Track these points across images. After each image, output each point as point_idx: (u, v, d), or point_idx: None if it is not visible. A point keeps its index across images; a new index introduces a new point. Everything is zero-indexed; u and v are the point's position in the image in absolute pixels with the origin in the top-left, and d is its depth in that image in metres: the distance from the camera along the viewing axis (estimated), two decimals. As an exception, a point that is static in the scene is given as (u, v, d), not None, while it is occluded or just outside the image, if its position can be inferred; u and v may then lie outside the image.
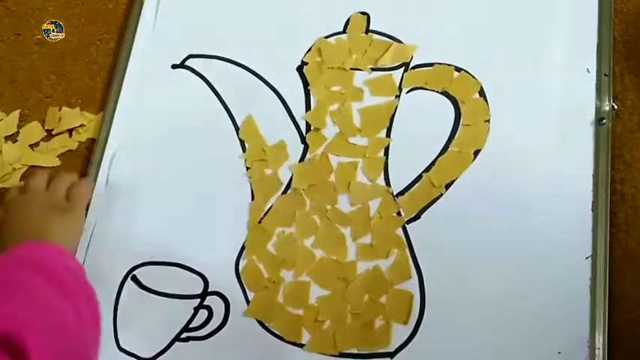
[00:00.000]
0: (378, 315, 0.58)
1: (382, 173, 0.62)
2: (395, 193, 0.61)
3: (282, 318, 0.60)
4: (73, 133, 0.72)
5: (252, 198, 0.64)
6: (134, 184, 0.68)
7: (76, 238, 0.64)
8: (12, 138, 0.73)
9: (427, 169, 0.61)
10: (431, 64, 0.65)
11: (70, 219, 0.63)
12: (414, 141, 0.63)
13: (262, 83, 0.68)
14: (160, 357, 0.61)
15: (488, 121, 0.62)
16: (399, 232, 0.60)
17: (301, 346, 0.59)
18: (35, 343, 0.43)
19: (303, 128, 0.66)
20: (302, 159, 0.65)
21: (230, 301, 0.62)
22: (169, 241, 0.65)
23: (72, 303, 0.51)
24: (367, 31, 0.68)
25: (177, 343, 0.62)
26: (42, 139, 0.73)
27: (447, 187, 0.60)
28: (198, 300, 0.62)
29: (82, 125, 0.72)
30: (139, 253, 0.65)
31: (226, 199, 0.65)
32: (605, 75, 0.61)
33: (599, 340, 0.54)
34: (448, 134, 0.62)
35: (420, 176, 0.61)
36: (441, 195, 0.60)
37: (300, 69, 0.68)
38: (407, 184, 0.61)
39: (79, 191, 0.65)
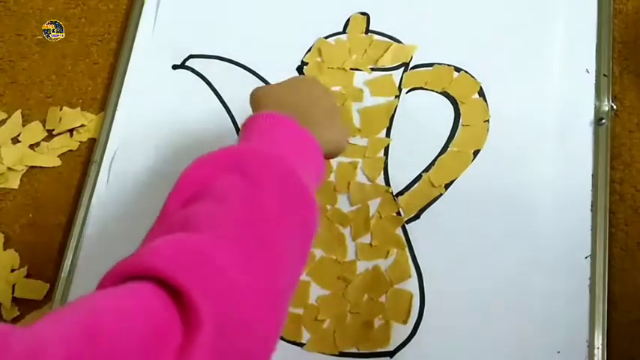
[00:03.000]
0: (378, 314, 0.59)
1: (382, 173, 0.62)
2: (395, 193, 0.62)
3: (282, 317, 0.60)
4: (74, 133, 0.72)
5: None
6: (134, 184, 0.68)
7: (343, 142, 0.51)
8: (14, 138, 0.73)
9: (427, 169, 0.61)
10: (431, 64, 0.65)
11: (341, 127, 0.51)
12: (413, 141, 0.63)
13: (262, 83, 0.68)
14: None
15: (488, 121, 0.62)
16: (399, 231, 0.60)
17: (301, 345, 0.59)
18: (205, 301, 0.33)
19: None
20: (302, 159, 0.65)
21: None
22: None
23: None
24: (367, 31, 0.68)
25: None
26: (43, 139, 0.73)
27: (447, 186, 0.61)
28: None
29: (82, 125, 0.72)
30: (140, 253, 0.65)
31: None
32: (605, 75, 0.61)
33: (599, 340, 0.54)
34: (448, 134, 0.62)
35: (419, 176, 0.61)
36: (441, 195, 0.60)
37: (300, 69, 0.68)
38: (406, 184, 0.61)
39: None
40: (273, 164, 0.42)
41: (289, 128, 0.46)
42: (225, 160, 0.43)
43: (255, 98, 0.51)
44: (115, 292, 0.35)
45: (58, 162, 0.71)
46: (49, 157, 0.72)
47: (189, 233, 0.37)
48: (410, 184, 0.61)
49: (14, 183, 0.71)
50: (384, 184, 0.62)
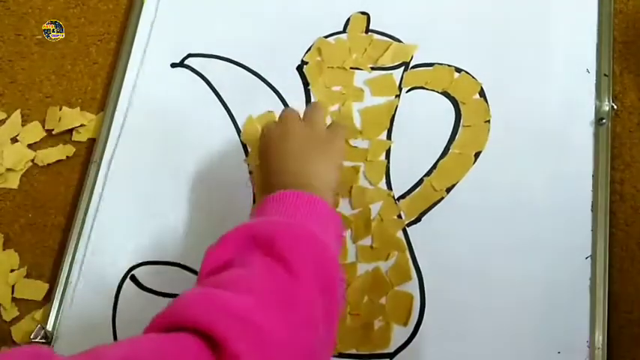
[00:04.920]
0: (378, 316, 0.58)
1: (384, 177, 0.62)
2: (396, 197, 0.61)
3: (283, 318, 0.60)
4: (74, 132, 0.72)
5: (254, 201, 0.64)
6: (134, 183, 0.68)
7: (336, 173, 0.56)
8: (13, 138, 0.73)
9: (428, 173, 0.61)
10: (431, 64, 0.65)
11: (331, 153, 0.57)
12: (414, 143, 0.62)
13: (262, 83, 0.68)
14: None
15: (489, 121, 0.62)
16: (400, 234, 0.60)
17: (301, 346, 0.59)
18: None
19: (303, 128, 0.66)
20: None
21: (230, 301, 0.62)
22: (169, 241, 0.65)
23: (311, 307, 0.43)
24: (367, 30, 0.68)
25: (177, 343, 0.61)
26: (42, 139, 0.73)
27: (448, 190, 0.60)
28: (199, 300, 0.62)
29: (82, 125, 0.72)
30: (139, 253, 0.65)
31: (227, 199, 0.65)
32: (605, 75, 0.61)
33: (599, 340, 0.54)
34: (449, 135, 0.62)
35: (421, 180, 0.61)
36: (442, 198, 0.60)
37: (300, 69, 0.68)
38: (408, 188, 0.61)
39: (337, 124, 0.61)
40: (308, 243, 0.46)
41: (310, 202, 0.50)
42: (258, 237, 0.46)
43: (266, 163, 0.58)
44: (155, 341, 0.38)
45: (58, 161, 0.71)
46: (48, 157, 0.71)
47: (220, 290, 0.41)
48: (412, 188, 0.61)
49: (14, 183, 0.71)
50: (385, 188, 0.62)
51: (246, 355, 0.36)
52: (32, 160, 0.72)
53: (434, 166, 0.61)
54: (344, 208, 0.62)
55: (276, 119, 0.61)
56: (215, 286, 0.41)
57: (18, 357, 0.35)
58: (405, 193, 0.61)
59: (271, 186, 0.54)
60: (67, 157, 0.72)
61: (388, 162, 0.63)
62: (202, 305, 0.39)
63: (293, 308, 0.41)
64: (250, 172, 0.65)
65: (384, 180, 0.62)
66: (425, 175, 0.61)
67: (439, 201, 0.60)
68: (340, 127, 0.60)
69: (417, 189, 0.61)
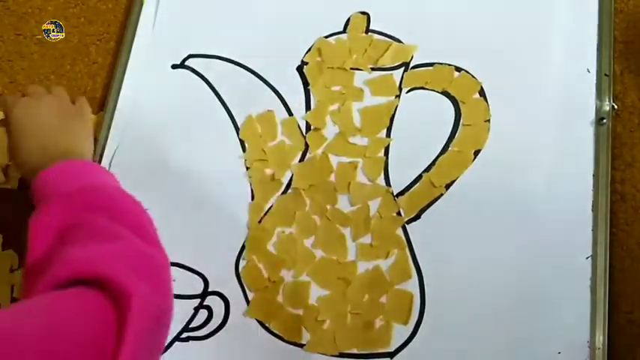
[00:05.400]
0: (378, 315, 0.58)
1: (382, 173, 0.62)
2: (395, 193, 0.61)
3: (282, 318, 0.60)
4: (73, 132, 0.72)
5: (252, 198, 0.64)
6: (134, 183, 0.67)
7: (92, 144, 0.63)
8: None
9: (427, 169, 0.61)
10: (431, 64, 0.65)
11: (85, 123, 0.62)
12: (414, 141, 0.63)
13: (262, 83, 0.68)
14: (160, 357, 0.61)
15: (489, 121, 0.62)
16: (399, 232, 0.60)
17: (301, 346, 0.59)
18: (135, 285, 0.41)
19: (303, 128, 0.66)
20: (302, 159, 0.64)
21: (230, 301, 0.62)
22: (169, 241, 0.64)
23: (160, 249, 0.50)
24: (367, 31, 0.68)
25: (177, 343, 0.61)
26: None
27: (447, 187, 0.60)
28: (198, 300, 0.62)
29: (81, 125, 0.72)
30: (139, 253, 0.64)
31: (226, 199, 0.65)
32: (606, 75, 0.61)
33: (599, 340, 0.54)
34: (448, 134, 0.62)
35: (420, 176, 0.61)
36: (441, 195, 0.60)
37: (300, 69, 0.68)
38: (407, 184, 0.61)
39: (81, 98, 0.65)
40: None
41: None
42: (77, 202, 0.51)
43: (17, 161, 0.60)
44: (62, 297, 0.41)
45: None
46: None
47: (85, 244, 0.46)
48: (410, 184, 0.61)
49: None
50: (384, 184, 0.62)
51: (135, 287, 0.40)
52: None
53: (433, 163, 0.61)
54: (343, 205, 0.62)
55: (275, 119, 0.64)
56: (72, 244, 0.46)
57: None
58: (404, 189, 0.61)
59: (42, 162, 0.55)
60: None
61: (387, 159, 0.63)
62: (82, 258, 0.43)
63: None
64: (247, 168, 0.65)
65: (382, 176, 0.62)
66: (424, 172, 0.61)
67: (438, 197, 0.60)
68: (84, 100, 0.65)
69: (416, 185, 0.61)
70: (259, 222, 0.63)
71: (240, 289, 0.62)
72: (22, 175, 0.63)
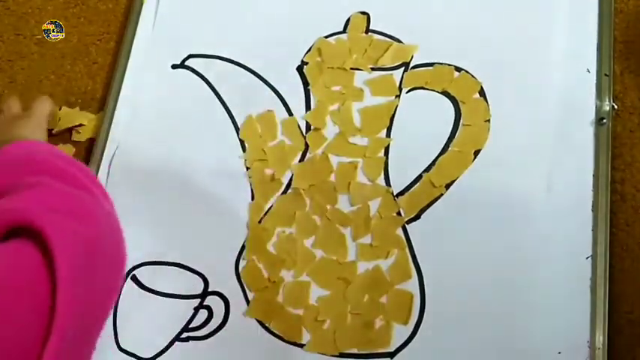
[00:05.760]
0: (378, 315, 0.58)
1: (382, 173, 0.62)
2: (395, 193, 0.61)
3: (282, 318, 0.60)
4: (73, 132, 0.72)
5: (252, 198, 0.64)
6: (134, 183, 0.68)
7: (44, 131, 0.63)
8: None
9: (427, 169, 0.61)
10: (431, 64, 0.65)
11: (33, 120, 0.62)
12: (414, 141, 0.63)
13: (262, 83, 0.68)
14: (160, 357, 0.61)
15: (489, 121, 0.62)
16: (399, 232, 0.60)
17: (301, 346, 0.59)
18: (53, 226, 0.39)
19: (303, 128, 0.66)
20: (302, 159, 0.64)
21: (230, 301, 0.62)
22: (169, 241, 0.65)
23: (91, 193, 0.48)
24: (367, 31, 0.68)
25: (177, 343, 0.61)
26: (41, 139, 0.72)
27: (447, 187, 0.60)
28: (198, 300, 0.62)
29: (81, 125, 0.72)
30: (139, 253, 0.64)
31: (226, 199, 0.65)
32: (606, 75, 0.61)
33: (599, 340, 0.54)
34: (448, 134, 0.62)
35: (420, 176, 0.61)
36: (441, 195, 0.60)
37: (300, 69, 0.68)
38: (407, 184, 0.61)
39: (35, 101, 0.65)
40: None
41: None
42: (22, 166, 0.50)
43: None
44: None
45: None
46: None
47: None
48: (410, 184, 0.61)
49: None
50: (384, 184, 0.62)
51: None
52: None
53: (433, 163, 0.61)
54: (343, 205, 0.62)
55: (275, 119, 0.63)
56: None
57: None
58: (404, 189, 0.61)
59: None
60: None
61: (387, 159, 0.63)
62: (16, 206, 0.42)
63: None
64: (247, 168, 0.65)
65: (382, 176, 0.62)
66: (424, 172, 0.61)
67: (438, 197, 0.60)
68: (38, 102, 0.65)
69: (416, 185, 0.61)
70: (259, 222, 0.63)
71: (240, 289, 0.62)
72: None
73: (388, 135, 0.63)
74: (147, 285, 0.64)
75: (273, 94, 0.67)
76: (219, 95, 0.69)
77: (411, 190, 0.61)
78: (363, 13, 0.68)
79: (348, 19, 0.68)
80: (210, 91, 0.69)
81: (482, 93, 0.63)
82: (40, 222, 0.39)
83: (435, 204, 0.60)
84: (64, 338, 0.36)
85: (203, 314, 0.62)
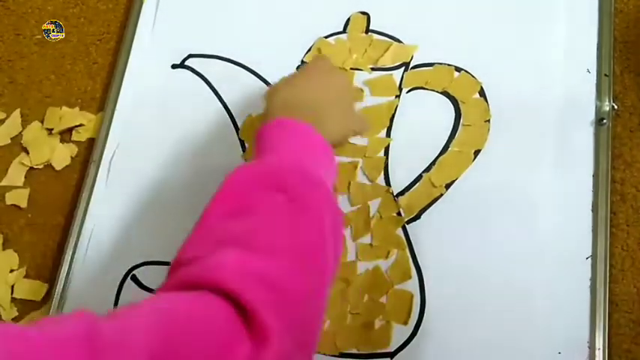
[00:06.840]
0: (378, 315, 0.58)
1: (382, 173, 0.62)
2: (395, 193, 0.61)
3: (282, 318, 0.60)
4: (73, 132, 0.72)
5: (252, 198, 0.64)
6: (134, 183, 0.68)
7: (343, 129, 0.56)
8: (13, 138, 0.73)
9: (427, 169, 0.61)
10: (431, 64, 0.65)
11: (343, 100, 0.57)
12: (414, 141, 0.63)
13: (262, 83, 0.68)
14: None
15: (489, 121, 0.62)
16: (399, 232, 0.60)
17: (301, 346, 0.59)
18: (270, 312, 0.38)
19: (303, 128, 0.66)
20: (302, 159, 0.64)
21: (230, 301, 0.62)
22: (169, 241, 0.65)
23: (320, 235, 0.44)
24: (367, 31, 0.68)
25: (177, 343, 0.61)
26: (41, 139, 0.72)
27: (447, 187, 0.60)
28: (198, 300, 0.62)
29: (81, 125, 0.72)
30: (139, 253, 0.64)
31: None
32: (606, 75, 0.61)
33: (599, 340, 0.54)
34: (448, 134, 0.62)
35: (420, 176, 0.61)
36: (442, 195, 0.60)
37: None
38: (407, 184, 0.61)
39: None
40: (315, 188, 0.47)
41: (304, 133, 0.50)
42: (267, 177, 0.47)
43: (269, 99, 0.54)
44: (187, 299, 0.38)
45: (57, 162, 0.71)
46: (47, 157, 0.71)
47: (249, 252, 0.41)
48: (410, 184, 0.61)
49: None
50: (384, 184, 0.62)
51: (276, 328, 0.37)
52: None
53: (433, 163, 0.61)
54: (343, 205, 0.62)
55: None
56: (237, 241, 0.42)
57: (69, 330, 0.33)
58: (404, 189, 0.61)
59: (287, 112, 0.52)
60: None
61: (387, 159, 0.63)
62: (232, 269, 0.39)
63: (312, 258, 0.43)
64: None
65: (382, 176, 0.62)
66: (424, 172, 0.61)
67: (438, 197, 0.60)
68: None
69: (416, 185, 0.61)
70: (259, 222, 0.63)
71: (240, 289, 0.62)
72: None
73: (388, 135, 0.63)
74: (147, 285, 0.64)
75: (273, 94, 0.67)
76: (219, 95, 0.69)
77: (411, 190, 0.61)
78: (363, 13, 0.68)
79: (348, 19, 0.68)
80: (210, 91, 0.69)
81: (482, 93, 0.63)
82: (264, 319, 0.37)
83: (435, 204, 0.60)
84: None
85: (203, 314, 0.62)
